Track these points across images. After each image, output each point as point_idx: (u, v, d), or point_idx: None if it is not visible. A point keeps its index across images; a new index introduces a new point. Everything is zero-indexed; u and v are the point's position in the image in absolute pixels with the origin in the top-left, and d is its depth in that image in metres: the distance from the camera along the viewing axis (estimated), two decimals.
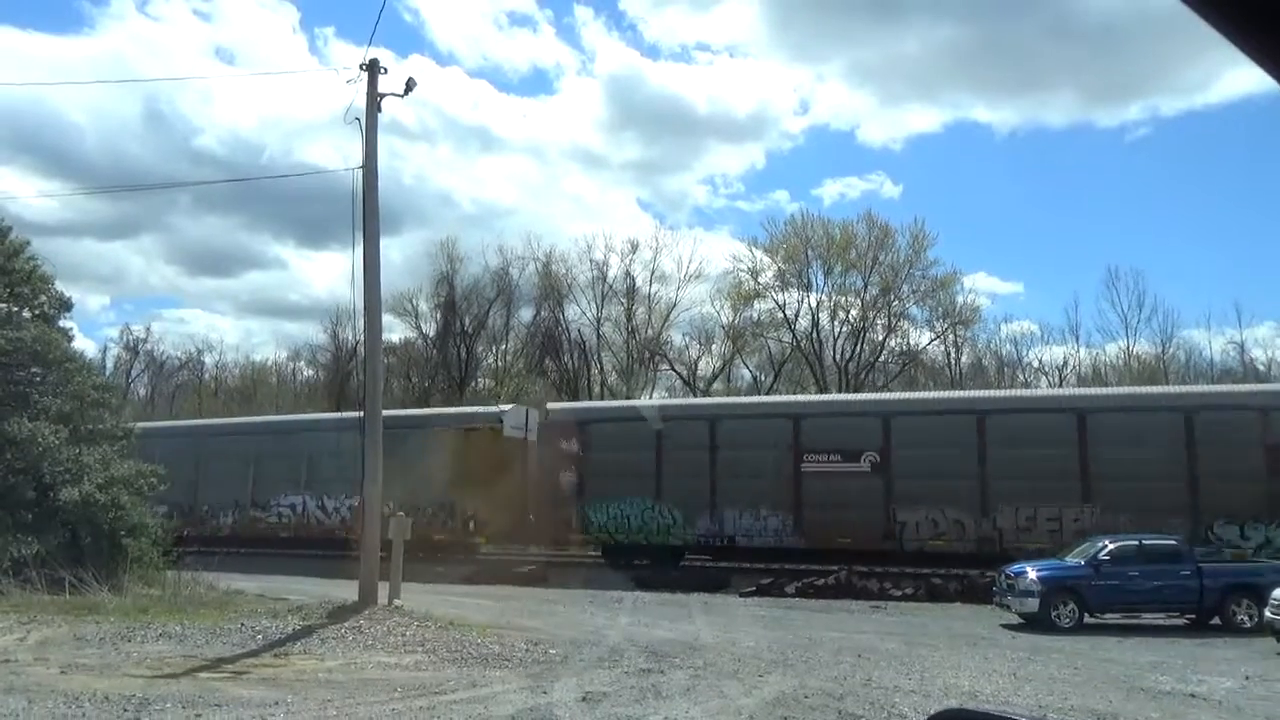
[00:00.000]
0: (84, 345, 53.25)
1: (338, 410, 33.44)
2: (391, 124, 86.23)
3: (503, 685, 9.84)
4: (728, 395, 44.53)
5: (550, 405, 29.30)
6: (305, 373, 58.78)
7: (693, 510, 23.64)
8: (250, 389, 56.43)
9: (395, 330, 50.45)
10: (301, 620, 13.96)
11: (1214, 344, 44.60)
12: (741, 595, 20.90)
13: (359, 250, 16.08)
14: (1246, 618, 15.59)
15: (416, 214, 72.11)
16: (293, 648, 12.11)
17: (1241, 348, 42.27)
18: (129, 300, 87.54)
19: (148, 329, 60.77)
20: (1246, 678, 11.30)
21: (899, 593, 20.42)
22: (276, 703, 8.73)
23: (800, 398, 32.58)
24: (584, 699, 9.10)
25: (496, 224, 77.48)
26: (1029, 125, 69.07)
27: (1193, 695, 10.15)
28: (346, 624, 13.61)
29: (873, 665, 11.49)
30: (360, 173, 16.17)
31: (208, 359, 61.60)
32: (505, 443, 25.08)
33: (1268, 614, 13.94)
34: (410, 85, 16.35)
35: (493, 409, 27.47)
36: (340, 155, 75.75)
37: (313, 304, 78.54)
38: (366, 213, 16.06)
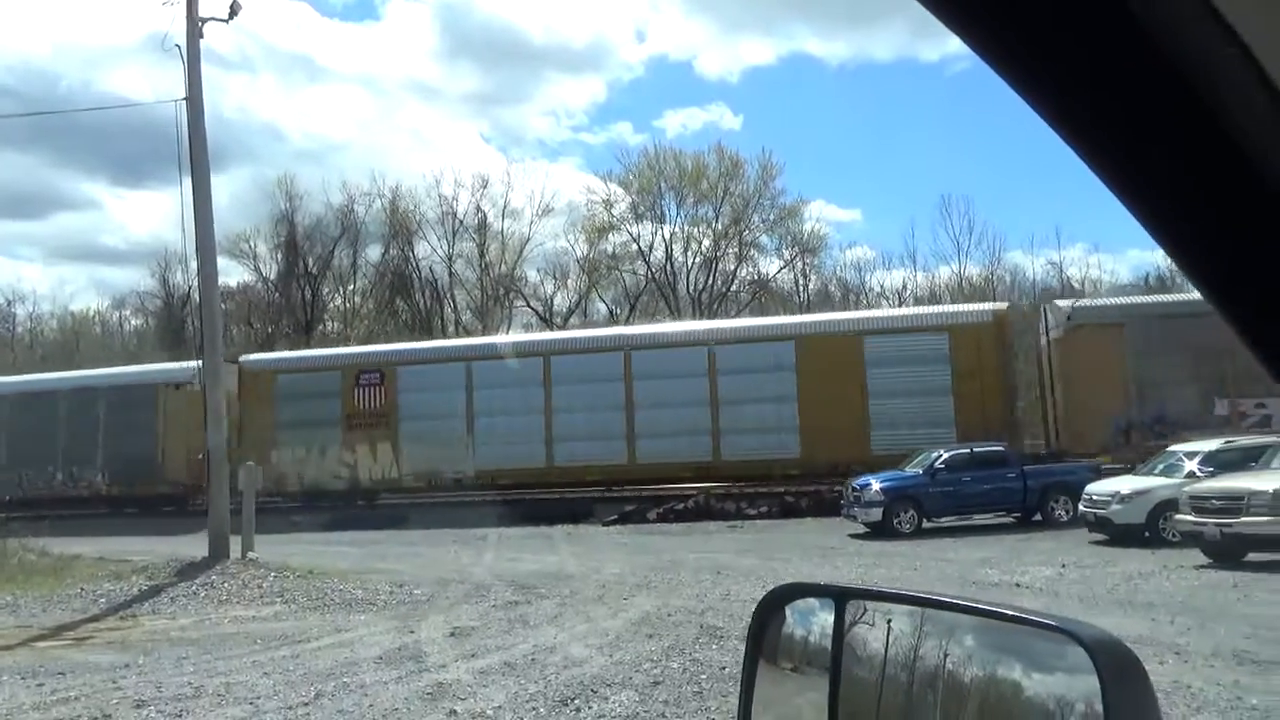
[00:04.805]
0: None
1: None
2: (205, 51, 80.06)
3: (368, 628, 9.75)
4: (582, 329, 44.72)
5: None
6: (133, 322, 55.09)
7: None
8: (71, 341, 52.44)
9: (232, 274, 47.66)
10: (148, 580, 13.38)
11: (1036, 265, 47.77)
12: (605, 524, 21.32)
13: (187, 187, 15.11)
14: (1064, 513, 17.11)
15: (242, 149, 67.47)
16: (140, 609, 11.62)
17: (1060, 267, 45.53)
18: None
19: None
20: (1063, 565, 12.48)
21: (754, 511, 21.32)
22: (127, 665, 8.37)
23: None
24: (452, 634, 9.14)
25: (332, 159, 73.59)
26: (858, 58, 70.80)
27: (1018, 585, 11.13)
28: (198, 580, 13.14)
29: (731, 581, 12.01)
30: (184, 105, 15.10)
31: (19, 310, 56.70)
32: None
33: (1081, 508, 15.36)
34: (235, 9, 15.32)
35: None
36: (150, 85, 68.90)
37: (133, 247, 73.01)
38: (194, 148, 15.05)
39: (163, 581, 13.22)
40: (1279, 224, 0.69)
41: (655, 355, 24.01)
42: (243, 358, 28.46)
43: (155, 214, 70.85)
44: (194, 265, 15.71)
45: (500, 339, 31.40)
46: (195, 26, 15.15)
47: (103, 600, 12.15)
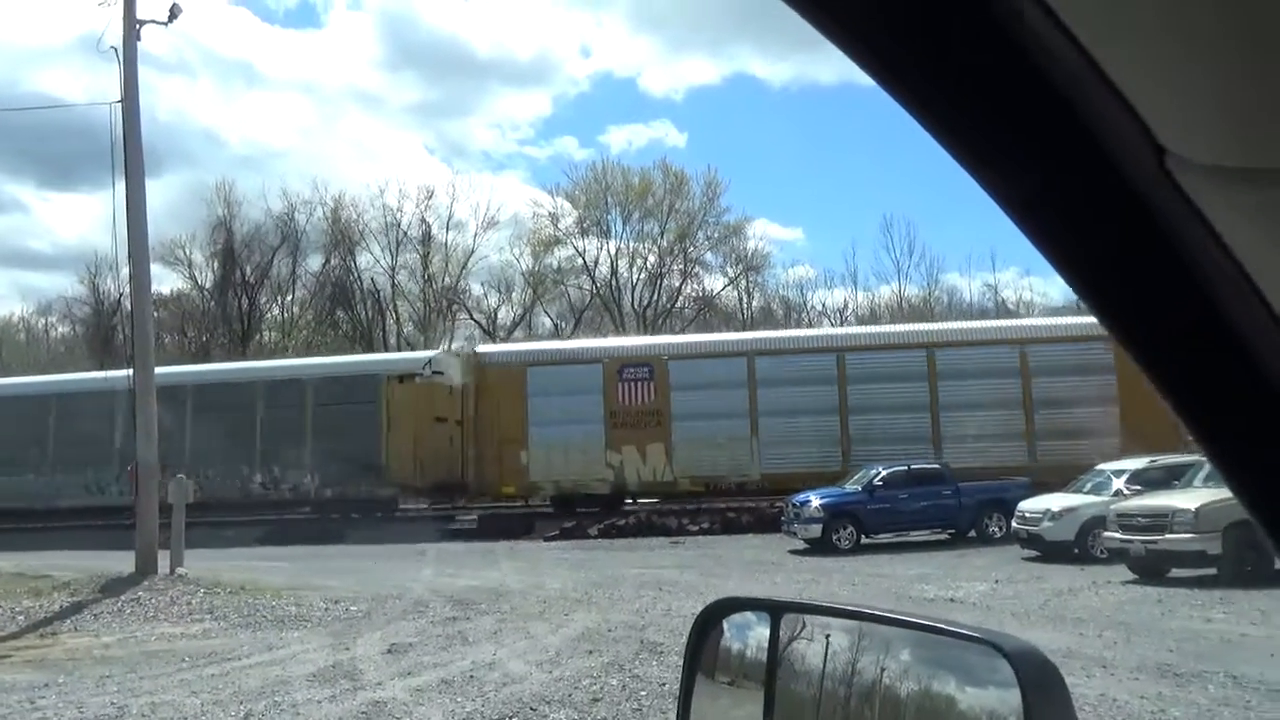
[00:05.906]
0: None
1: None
2: (141, 53, 77.98)
3: (301, 645, 9.53)
4: (529, 341, 44.49)
5: None
6: (59, 329, 53.37)
7: None
8: None
9: (166, 281, 46.47)
10: (70, 596, 12.92)
11: (972, 286, 48.89)
12: (546, 540, 21.18)
13: (119, 192, 14.73)
14: (997, 529, 17.48)
15: (179, 154, 65.69)
16: (61, 626, 11.20)
17: (995, 290, 46.69)
18: None
19: None
20: (996, 581, 12.73)
21: (696, 527, 21.38)
22: (46, 685, 8.05)
23: None
24: (389, 651, 8.98)
25: (272, 166, 72.35)
26: (801, 80, 71.85)
27: (952, 599, 11.33)
28: (123, 597, 12.73)
29: (672, 597, 12.01)
30: (119, 108, 14.73)
31: None
32: None
33: (1014, 525, 15.71)
34: (174, 12, 15.07)
35: None
36: (81, 86, 66.76)
37: (61, 252, 70.57)
38: (128, 151, 14.68)
39: (86, 598, 12.77)
40: (1166, 258, 0.71)
41: (961, 354, 22.89)
42: (480, 348, 26.67)
43: (85, 218, 68.64)
44: (125, 271, 15.30)
45: (786, 333, 29.54)
46: (133, 29, 14.82)
47: (21, 617, 11.68)
